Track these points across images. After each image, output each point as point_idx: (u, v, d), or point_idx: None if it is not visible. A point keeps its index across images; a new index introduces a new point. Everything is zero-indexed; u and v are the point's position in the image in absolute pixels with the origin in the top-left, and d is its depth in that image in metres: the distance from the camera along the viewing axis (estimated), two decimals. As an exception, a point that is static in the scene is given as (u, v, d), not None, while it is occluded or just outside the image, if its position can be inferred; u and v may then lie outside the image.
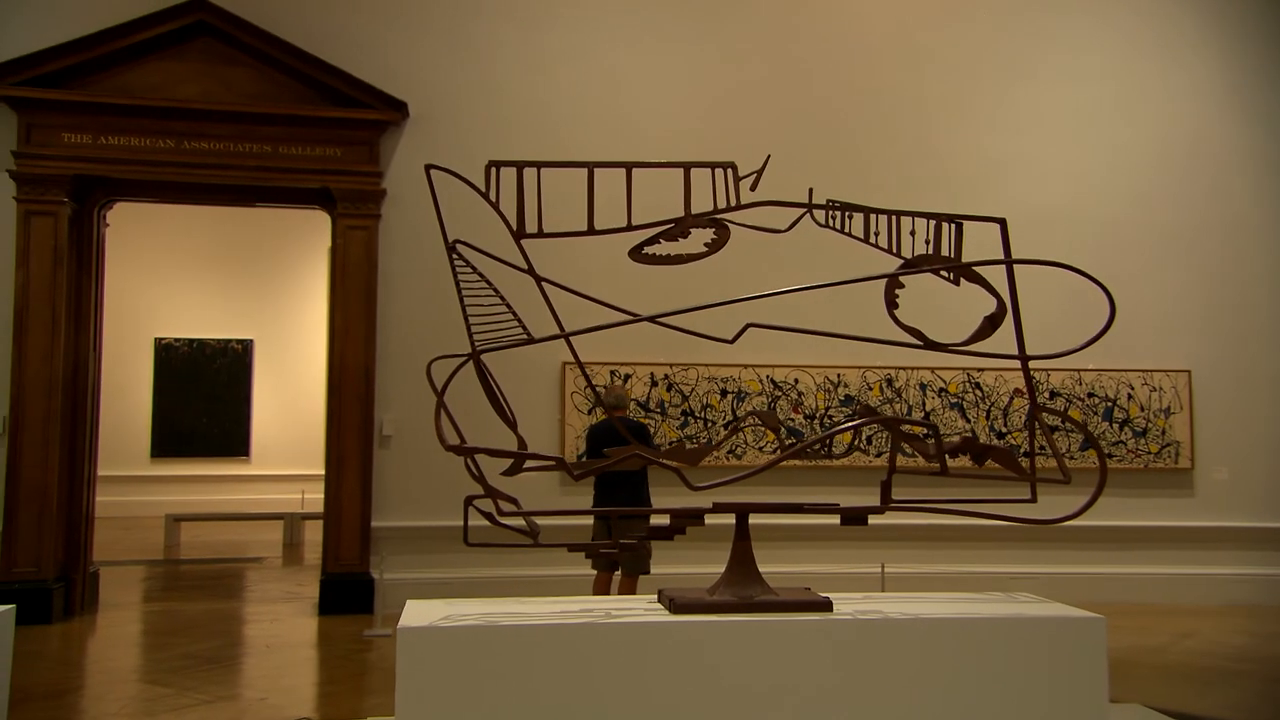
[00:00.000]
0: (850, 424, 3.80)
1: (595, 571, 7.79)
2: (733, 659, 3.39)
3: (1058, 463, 3.75)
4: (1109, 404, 9.95)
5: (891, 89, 10.27)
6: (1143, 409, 9.96)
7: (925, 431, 3.94)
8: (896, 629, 3.47)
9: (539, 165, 3.46)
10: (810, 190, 3.88)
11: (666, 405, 9.48)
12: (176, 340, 16.54)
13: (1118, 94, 10.48)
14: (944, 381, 9.75)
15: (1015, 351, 3.70)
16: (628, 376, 9.45)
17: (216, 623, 9.10)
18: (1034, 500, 3.80)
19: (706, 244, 3.68)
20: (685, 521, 3.64)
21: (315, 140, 9.32)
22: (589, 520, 7.77)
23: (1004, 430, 9.80)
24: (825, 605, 3.57)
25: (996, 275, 3.71)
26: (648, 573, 7.67)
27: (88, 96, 8.90)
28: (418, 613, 3.41)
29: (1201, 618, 9.25)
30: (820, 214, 3.93)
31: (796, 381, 9.64)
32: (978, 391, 9.79)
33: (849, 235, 3.87)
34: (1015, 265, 3.67)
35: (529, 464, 3.61)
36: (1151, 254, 10.24)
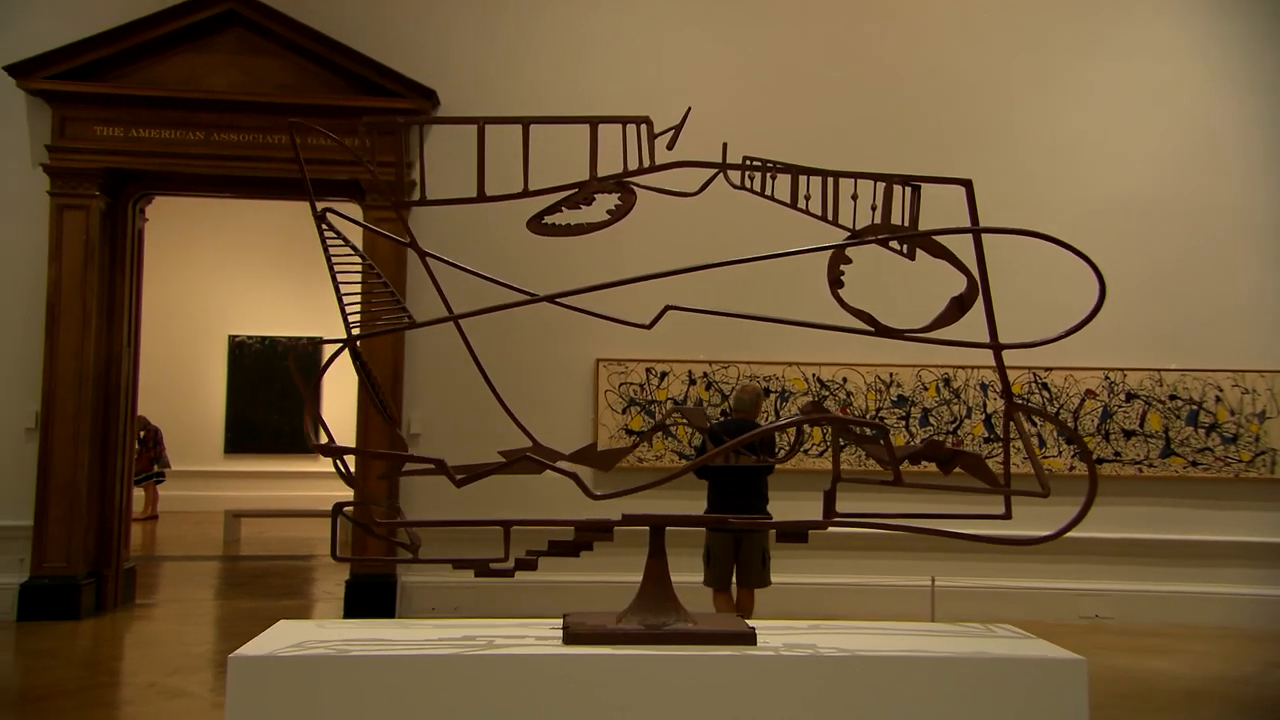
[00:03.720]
0: (783, 422, 3.24)
1: (710, 588, 7.09)
2: (633, 699, 2.87)
3: (1036, 471, 3.11)
4: (1194, 407, 8.98)
5: (955, 67, 9.51)
6: (1233, 413, 8.96)
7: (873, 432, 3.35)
8: (828, 668, 2.90)
9: (421, 123, 3.02)
10: (724, 145, 3.33)
11: (706, 404, 8.94)
12: (249, 338, 16.71)
13: (1205, 70, 9.50)
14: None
15: (986, 340, 3.07)
16: (664, 374, 8.95)
17: (238, 622, 8.94)
18: (1008, 516, 3.16)
19: (609, 211, 3.17)
20: (592, 535, 3.14)
21: (344, 131, 9.01)
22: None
23: (1072, 436, 8.93)
24: (747, 637, 3.02)
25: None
26: (767, 584, 7.05)
27: (119, 89, 8.85)
28: (273, 637, 2.99)
29: (1299, 646, 8.27)
30: (737, 175, 3.37)
31: (845, 381, 8.98)
32: (1045, 393, 8.95)
33: (771, 199, 3.31)
34: (988, 236, 3.04)
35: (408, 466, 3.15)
36: (1244, 243, 9.24)
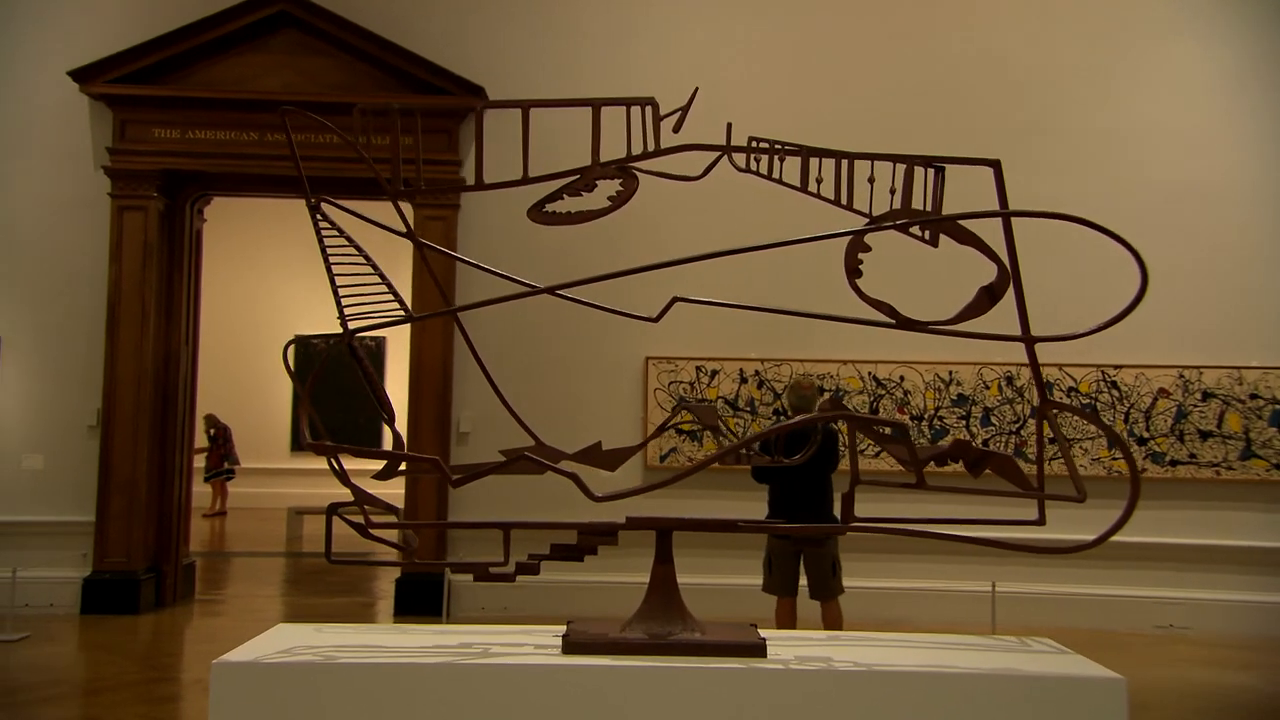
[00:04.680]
0: (798, 420, 3.05)
1: (773, 596, 6.59)
2: (632, 713, 2.71)
3: (1071, 474, 2.87)
4: (1277, 407, 8.49)
5: (1014, 54, 9.14)
6: (1320, 413, 8.47)
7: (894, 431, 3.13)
8: (840, 683, 2.71)
9: (416, 110, 2.91)
10: (729, 126, 3.15)
11: (757, 403, 8.74)
12: (315, 337, 16.92)
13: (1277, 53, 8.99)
14: (1074, 380, 8.57)
15: (1016, 332, 2.85)
16: (715, 372, 8.76)
17: (292, 618, 9.00)
18: (1041, 521, 2.93)
19: (610, 198, 3.02)
20: (596, 539, 2.99)
21: (402, 128, 9.08)
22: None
23: (1146, 436, 8.52)
24: (756, 649, 2.84)
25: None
26: (840, 593, 6.47)
27: (175, 91, 8.98)
28: (266, 641, 2.91)
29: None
30: (743, 159, 3.18)
31: (902, 379, 8.69)
32: (1114, 391, 8.55)
33: (780, 182, 3.11)
34: (1018, 219, 2.82)
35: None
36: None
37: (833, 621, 6.57)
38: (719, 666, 2.75)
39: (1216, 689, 6.93)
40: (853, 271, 2.87)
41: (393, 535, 3.28)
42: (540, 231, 8.30)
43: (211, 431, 15.92)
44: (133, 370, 8.88)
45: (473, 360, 8.97)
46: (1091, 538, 3.03)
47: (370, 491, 3.13)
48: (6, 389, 8.98)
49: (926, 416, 8.65)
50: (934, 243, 2.86)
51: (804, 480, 6.29)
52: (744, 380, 8.76)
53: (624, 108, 2.94)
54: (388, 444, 3.97)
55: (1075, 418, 8.53)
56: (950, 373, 8.63)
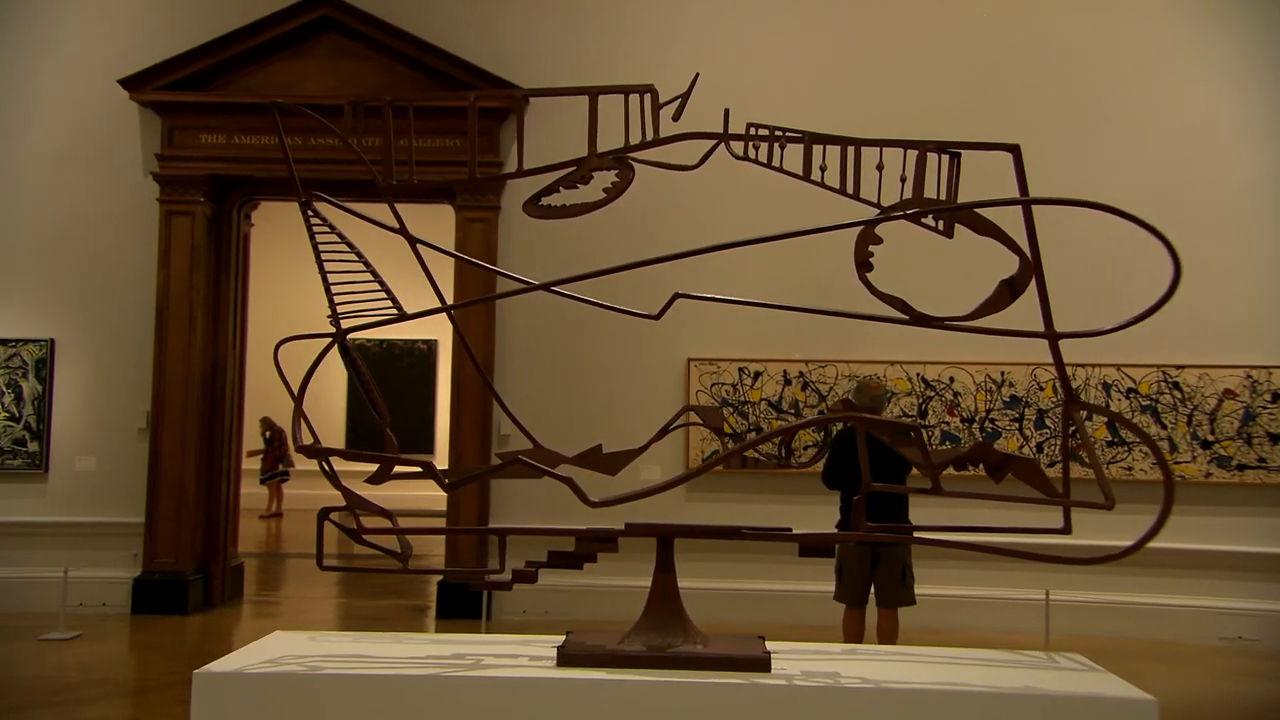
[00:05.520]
0: (805, 421, 2.89)
1: (842, 605, 6.47)
2: (629, 729, 2.58)
3: (1099, 479, 2.68)
4: (1350, 409, 8.08)
5: (1071, 43, 8.82)
6: (1400, 414, 8.02)
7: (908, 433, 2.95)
8: (847, 700, 2.54)
9: (409, 102, 2.82)
10: (726, 112, 3.00)
11: (801, 406, 8.54)
12: (368, 341, 17.06)
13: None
14: (1133, 381, 8.23)
15: (1038, 328, 2.66)
16: (758, 374, 8.59)
17: (338, 620, 9.04)
18: (1067, 530, 2.74)
19: (605, 189, 2.90)
20: (594, 546, 2.87)
21: (435, 131, 9.07)
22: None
23: (1210, 439, 8.15)
24: (760, 663, 2.69)
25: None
26: (910, 603, 6.35)
27: (220, 97, 9.06)
28: (257, 650, 2.83)
29: None
30: (742, 146, 3.02)
31: (952, 380, 8.43)
32: (1177, 393, 8.18)
33: (779, 170, 2.96)
34: (1040, 207, 2.63)
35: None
36: None
37: (887, 633, 6.35)
38: (719, 681, 2.61)
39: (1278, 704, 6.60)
40: (863, 265, 2.71)
41: (395, 539, 3.18)
42: (583, 232, 8.22)
43: (267, 434, 16.13)
44: (180, 373, 8.98)
45: (513, 363, 8.97)
46: (1128, 543, 2.83)
47: (362, 494, 3.05)
48: (61, 392, 9.15)
49: (978, 419, 8.37)
50: (948, 233, 2.69)
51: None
52: (788, 382, 8.57)
53: (622, 96, 2.82)
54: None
55: (1133, 421, 8.19)
56: (1002, 374, 8.35)
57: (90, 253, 9.21)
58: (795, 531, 2.81)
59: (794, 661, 2.75)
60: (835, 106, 8.59)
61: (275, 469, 16.26)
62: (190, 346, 9.02)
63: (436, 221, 12.72)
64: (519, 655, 2.82)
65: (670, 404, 8.79)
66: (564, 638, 2.93)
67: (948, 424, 8.38)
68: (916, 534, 2.92)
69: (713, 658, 2.70)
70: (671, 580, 2.86)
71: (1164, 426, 8.17)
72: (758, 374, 8.59)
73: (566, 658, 2.72)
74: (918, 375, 8.46)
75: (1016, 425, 8.29)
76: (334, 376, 17.08)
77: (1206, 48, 8.71)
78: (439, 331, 17.07)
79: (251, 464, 14.10)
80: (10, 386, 9.09)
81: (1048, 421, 8.27)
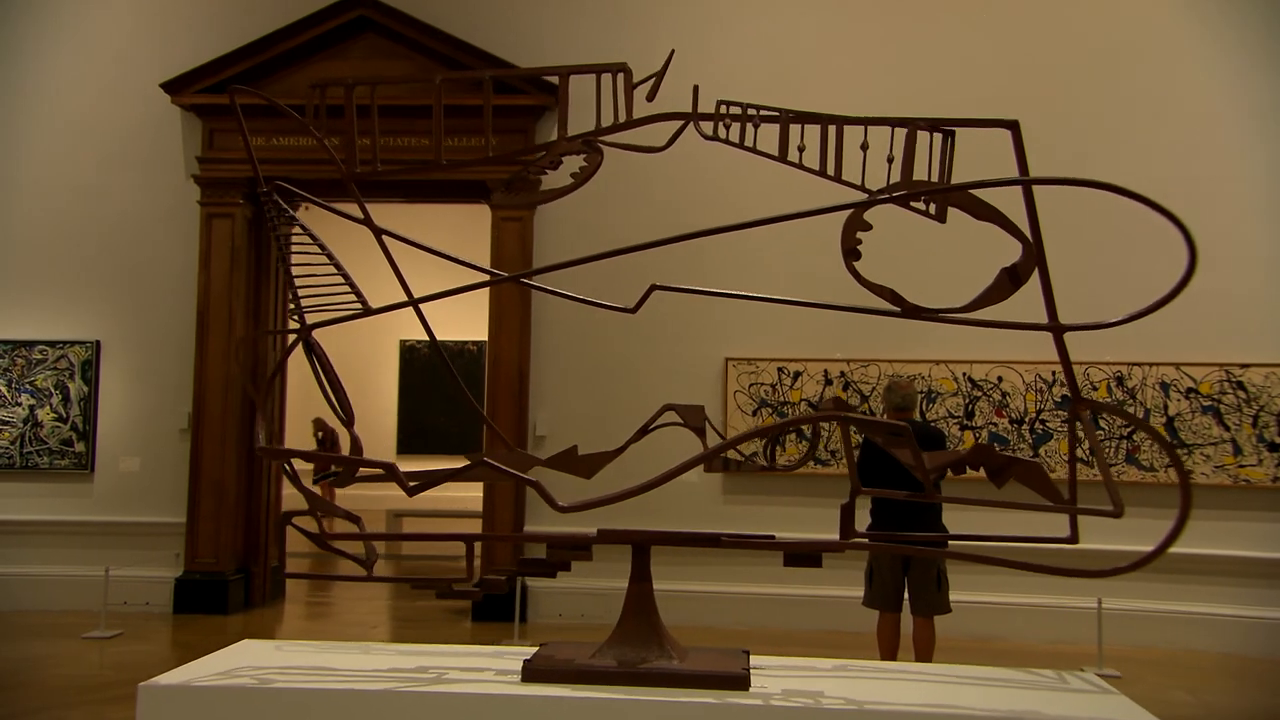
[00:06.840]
0: (791, 420, 2.69)
1: (876, 612, 6.24)
2: (596, 750, 2.41)
3: (1107, 485, 2.43)
4: None
5: (1114, 27, 8.41)
6: None
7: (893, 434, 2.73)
8: (827, 724, 2.34)
9: (372, 83, 2.71)
10: (695, 89, 2.80)
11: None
12: (419, 342, 17.13)
13: None
14: (1193, 380, 7.81)
15: (1038, 320, 2.43)
16: (798, 374, 8.35)
17: (379, 623, 9.00)
18: (1074, 539, 2.50)
19: (573, 175, 2.73)
20: (567, 554, 2.71)
21: (471, 130, 8.98)
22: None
23: (1277, 442, 7.70)
24: (738, 680, 2.50)
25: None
26: (946, 610, 6.11)
27: (260, 99, 9.06)
28: (219, 660, 2.72)
29: None
30: (711, 125, 2.82)
31: (1000, 380, 8.09)
32: (1241, 393, 7.75)
33: (753, 151, 2.75)
34: (1047, 192, 2.40)
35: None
36: None
37: (923, 644, 6.08)
38: (688, 701, 2.43)
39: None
40: (850, 252, 2.51)
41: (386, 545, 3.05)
42: (618, 228, 8.10)
43: (319, 435, 16.25)
44: (220, 375, 9.04)
45: (548, 363, 8.85)
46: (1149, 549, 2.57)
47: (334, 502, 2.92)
48: (107, 393, 9.27)
49: (1027, 420, 8.03)
50: (940, 217, 2.47)
51: (908, 489, 5.77)
52: (829, 382, 8.32)
53: (594, 75, 2.66)
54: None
55: (1194, 423, 7.78)
56: (1053, 373, 7.99)
57: (134, 256, 9.32)
58: (778, 539, 2.61)
59: (775, 679, 2.56)
60: (836, 90, 8.32)
61: (328, 469, 16.38)
62: (230, 348, 9.06)
63: (474, 220, 12.69)
64: (485, 669, 2.67)
65: (709, 405, 8.59)
66: (535, 650, 2.77)
67: (995, 425, 8.05)
68: (916, 544, 2.69)
69: (687, 674, 2.52)
70: (647, 590, 2.68)
71: (1227, 428, 7.74)
72: (797, 374, 8.35)
73: (532, 672, 2.56)
74: (964, 375, 8.15)
75: (1068, 427, 7.92)
76: (386, 377, 17.23)
77: (1213, 35, 8.26)
78: (487, 332, 17.06)
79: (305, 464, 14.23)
80: (58, 388, 9.24)
81: (1101, 423, 7.88)
